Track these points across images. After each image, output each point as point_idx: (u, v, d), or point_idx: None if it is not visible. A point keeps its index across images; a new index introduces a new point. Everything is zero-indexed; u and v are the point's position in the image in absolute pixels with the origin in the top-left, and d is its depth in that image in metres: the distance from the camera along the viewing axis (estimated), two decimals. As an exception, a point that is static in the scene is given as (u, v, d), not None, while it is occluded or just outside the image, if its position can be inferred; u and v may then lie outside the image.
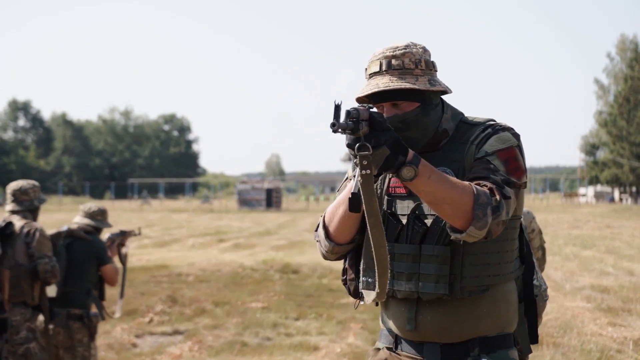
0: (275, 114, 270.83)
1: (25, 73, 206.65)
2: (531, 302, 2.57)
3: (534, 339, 2.60)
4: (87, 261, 5.70)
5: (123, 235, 6.34)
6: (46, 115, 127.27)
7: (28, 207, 5.29)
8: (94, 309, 5.83)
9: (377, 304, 2.53)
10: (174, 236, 25.31)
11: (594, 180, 66.05)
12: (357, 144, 2.03)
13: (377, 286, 2.31)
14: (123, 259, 6.36)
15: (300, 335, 8.64)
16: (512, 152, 2.34)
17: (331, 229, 2.48)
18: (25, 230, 5.13)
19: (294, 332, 8.84)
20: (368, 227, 2.18)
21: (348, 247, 2.51)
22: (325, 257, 2.55)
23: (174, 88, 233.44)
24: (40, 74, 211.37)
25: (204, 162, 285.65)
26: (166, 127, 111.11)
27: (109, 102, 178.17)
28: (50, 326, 5.41)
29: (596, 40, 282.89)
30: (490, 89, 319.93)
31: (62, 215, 38.69)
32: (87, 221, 5.89)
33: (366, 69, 2.46)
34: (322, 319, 9.58)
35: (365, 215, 2.16)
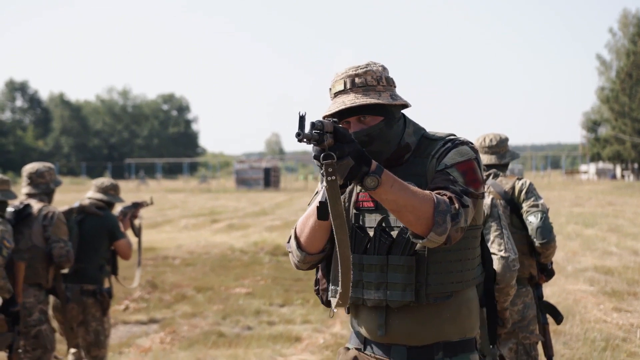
0: (275, 94, 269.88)
1: (22, 53, 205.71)
2: (492, 307, 2.78)
3: (493, 340, 2.87)
4: (99, 237, 5.70)
5: (135, 208, 6.29)
6: (44, 95, 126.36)
7: (44, 190, 5.27)
8: (107, 284, 5.83)
9: (348, 312, 2.69)
10: (167, 217, 24.74)
11: (595, 157, 65.44)
12: (322, 154, 2.16)
13: (340, 285, 2.37)
14: (137, 231, 6.35)
15: (283, 324, 8.09)
16: (470, 165, 2.49)
17: (302, 239, 2.58)
18: (44, 212, 5.13)
19: (276, 320, 8.29)
20: (333, 229, 2.28)
21: (319, 257, 2.61)
22: (298, 267, 2.65)
23: (173, 68, 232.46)
24: (38, 54, 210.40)
25: (204, 141, 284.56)
26: (165, 107, 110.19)
27: (107, 82, 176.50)
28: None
29: (598, 15, 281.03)
30: (491, 66, 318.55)
31: (57, 196, 38.09)
32: (99, 196, 5.83)
33: (330, 88, 2.59)
34: (308, 305, 9.03)
35: (331, 217, 2.26)
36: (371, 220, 2.56)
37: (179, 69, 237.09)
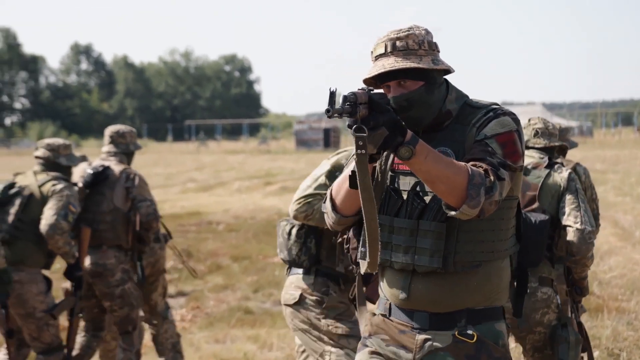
0: (333, 52, 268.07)
1: (86, 16, 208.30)
2: (524, 280, 2.72)
3: (518, 314, 2.83)
4: None
5: None
6: (108, 58, 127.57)
7: (124, 150, 5.36)
8: None
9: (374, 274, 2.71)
10: (221, 179, 24.39)
11: (669, 114, 62.86)
12: (354, 126, 2.18)
13: (367, 256, 2.41)
14: None
15: (318, 299, 7.48)
16: (511, 137, 2.45)
17: (337, 202, 2.61)
18: (125, 174, 5.19)
19: (311, 295, 7.69)
20: (361, 201, 2.30)
21: (353, 219, 2.63)
22: (333, 228, 2.68)
23: (234, 28, 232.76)
24: (101, 17, 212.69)
25: (267, 102, 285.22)
26: (227, 68, 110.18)
27: (169, 43, 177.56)
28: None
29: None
30: (562, 21, 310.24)
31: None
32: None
33: (372, 52, 2.57)
34: (348, 277, 8.40)
35: (359, 190, 2.29)
36: (405, 183, 2.56)
37: (241, 29, 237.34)
